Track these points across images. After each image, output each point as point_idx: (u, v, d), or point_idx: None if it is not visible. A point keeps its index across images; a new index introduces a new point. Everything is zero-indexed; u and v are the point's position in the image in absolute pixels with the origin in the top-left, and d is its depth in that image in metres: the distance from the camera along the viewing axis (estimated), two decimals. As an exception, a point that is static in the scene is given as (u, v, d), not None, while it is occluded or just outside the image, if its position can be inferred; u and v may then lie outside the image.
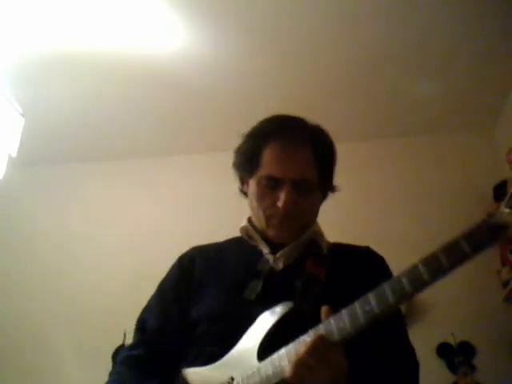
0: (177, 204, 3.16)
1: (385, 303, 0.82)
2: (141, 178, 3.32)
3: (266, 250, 1.16)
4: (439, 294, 2.71)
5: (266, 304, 1.02)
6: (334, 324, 0.87)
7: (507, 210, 0.70)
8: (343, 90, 2.87)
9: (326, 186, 1.21)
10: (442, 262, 0.76)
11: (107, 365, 2.70)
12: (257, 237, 1.19)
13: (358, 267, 1.04)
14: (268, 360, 0.93)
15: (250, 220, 1.22)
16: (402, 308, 2.65)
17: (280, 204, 1.09)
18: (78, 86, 2.76)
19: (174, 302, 1.17)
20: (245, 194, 1.22)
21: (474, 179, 2.97)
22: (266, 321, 0.99)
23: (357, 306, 0.85)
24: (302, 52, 2.61)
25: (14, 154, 2.30)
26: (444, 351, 2.60)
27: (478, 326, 2.62)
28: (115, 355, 2.74)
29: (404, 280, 0.82)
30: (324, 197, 1.24)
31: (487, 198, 2.86)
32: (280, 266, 1.13)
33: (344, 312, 0.87)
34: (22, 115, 2.31)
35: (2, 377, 2.76)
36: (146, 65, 2.61)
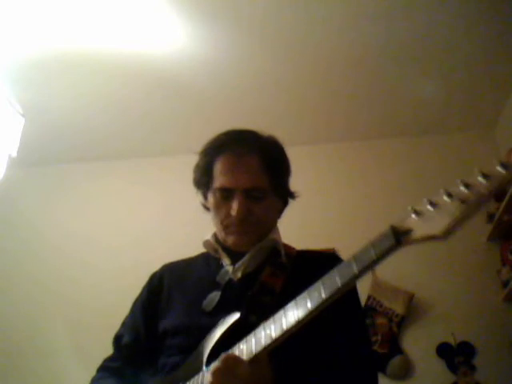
0: (178, 204, 3.15)
1: (288, 324, 0.86)
2: (141, 178, 3.32)
3: (227, 261, 1.19)
4: (439, 294, 2.72)
5: (223, 315, 1.05)
6: (253, 338, 0.91)
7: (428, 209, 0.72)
8: (344, 90, 2.87)
9: (280, 192, 1.24)
10: (353, 269, 0.79)
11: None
12: (219, 249, 1.22)
13: (319, 274, 1.04)
14: (204, 371, 0.98)
15: (215, 234, 1.26)
16: (402, 308, 2.68)
17: (233, 213, 1.14)
18: (78, 86, 2.76)
19: (142, 320, 1.25)
20: (208, 209, 1.27)
21: (474, 179, 2.97)
22: (216, 331, 1.03)
23: (273, 319, 0.90)
24: (303, 52, 2.61)
25: (14, 154, 2.30)
26: (444, 351, 2.61)
27: (478, 325, 2.63)
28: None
29: (315, 297, 0.84)
30: (284, 203, 1.28)
31: (487, 197, 2.86)
32: (238, 275, 1.16)
33: (261, 326, 0.91)
34: (22, 115, 2.30)
35: (2, 380, 2.75)
36: (145, 65, 2.61)
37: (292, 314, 0.86)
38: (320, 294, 0.82)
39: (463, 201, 0.69)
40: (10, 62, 2.52)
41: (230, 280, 1.16)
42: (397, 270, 2.75)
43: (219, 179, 1.19)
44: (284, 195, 1.27)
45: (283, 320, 0.87)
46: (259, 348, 0.89)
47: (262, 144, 1.23)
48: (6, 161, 2.29)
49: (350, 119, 3.11)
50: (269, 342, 0.88)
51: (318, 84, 2.83)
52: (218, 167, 1.20)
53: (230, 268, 1.17)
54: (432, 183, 2.98)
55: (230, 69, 2.69)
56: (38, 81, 2.69)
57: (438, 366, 2.59)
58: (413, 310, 2.72)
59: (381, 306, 2.73)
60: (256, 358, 0.90)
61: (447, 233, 0.70)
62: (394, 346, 2.64)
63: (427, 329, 2.68)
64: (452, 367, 2.58)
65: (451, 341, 2.61)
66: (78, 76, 2.68)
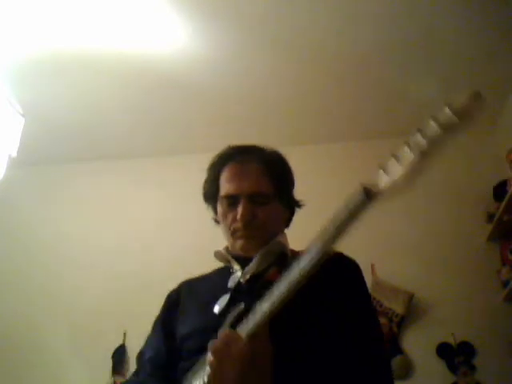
0: (177, 204, 3.16)
1: (278, 293, 0.90)
2: (142, 178, 3.32)
3: (237, 267, 1.24)
4: (439, 294, 2.72)
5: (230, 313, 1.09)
6: (250, 318, 0.95)
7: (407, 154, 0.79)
8: (344, 90, 2.87)
9: (285, 199, 1.29)
10: (330, 230, 0.87)
11: (107, 365, 2.71)
12: (229, 257, 1.27)
13: (325, 273, 1.00)
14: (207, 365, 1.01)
15: (227, 247, 1.31)
16: (402, 308, 2.68)
17: (238, 217, 1.20)
18: (78, 86, 2.76)
19: (163, 336, 1.28)
20: (217, 222, 1.32)
21: (474, 179, 2.97)
22: (223, 327, 1.06)
23: (265, 296, 0.94)
24: (303, 52, 2.61)
25: (14, 154, 2.30)
26: (444, 351, 2.60)
27: (478, 325, 2.62)
28: (115, 355, 2.74)
29: (301, 262, 0.89)
30: (291, 213, 1.33)
31: (487, 197, 2.86)
32: (246, 277, 1.20)
33: (257, 305, 0.95)
34: (22, 115, 2.30)
35: (1, 380, 2.75)
36: (146, 65, 2.61)
37: (282, 285, 0.90)
38: (305, 261, 0.88)
39: (420, 148, 0.76)
40: (10, 61, 2.52)
41: (239, 283, 1.19)
42: (397, 270, 2.76)
43: (225, 187, 1.25)
44: (289, 203, 1.31)
45: (275, 292, 0.91)
46: (254, 322, 0.93)
47: (265, 154, 1.30)
48: (5, 161, 2.29)
49: (351, 119, 3.11)
50: (263, 314, 0.91)
51: (319, 83, 2.83)
52: (224, 177, 1.27)
53: (239, 273, 1.22)
54: (432, 183, 2.99)
55: (231, 68, 2.70)
56: (38, 81, 2.69)
57: (438, 366, 2.59)
58: (413, 310, 2.72)
59: (381, 305, 2.73)
60: (254, 333, 0.93)
61: (406, 179, 0.77)
62: (394, 346, 2.64)
63: (427, 329, 2.68)
64: (452, 367, 2.57)
65: (451, 341, 2.61)
66: (78, 76, 2.68)
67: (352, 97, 2.94)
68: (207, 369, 0.96)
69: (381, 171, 0.81)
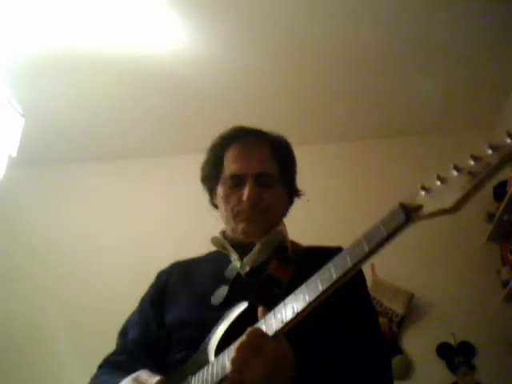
0: (177, 204, 3.16)
1: (314, 293, 0.84)
2: (141, 178, 3.32)
3: (234, 256, 1.19)
4: (439, 294, 2.72)
5: (230, 308, 1.06)
6: (273, 317, 0.90)
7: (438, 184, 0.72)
8: (344, 90, 2.87)
9: (288, 184, 1.26)
10: (364, 248, 0.78)
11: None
12: (226, 244, 1.23)
13: None
14: (217, 358, 0.97)
15: (223, 232, 1.27)
16: (402, 308, 2.68)
17: (244, 198, 1.16)
18: (78, 85, 2.76)
19: (152, 315, 1.23)
20: (215, 206, 1.28)
21: (474, 179, 2.97)
22: (223, 323, 1.04)
23: (290, 297, 0.89)
24: (303, 52, 2.61)
25: (14, 154, 2.30)
26: (444, 351, 2.60)
27: (478, 325, 2.62)
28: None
29: (333, 269, 0.83)
30: (290, 201, 1.30)
31: (487, 197, 2.86)
32: (246, 269, 1.16)
33: (280, 304, 0.90)
34: (22, 115, 2.30)
35: (2, 380, 2.75)
36: (146, 65, 2.61)
37: (303, 296, 0.86)
38: (331, 275, 0.82)
39: (473, 173, 0.68)
40: (10, 61, 2.52)
41: (238, 274, 1.16)
42: (397, 270, 2.76)
43: (230, 168, 1.21)
44: (291, 189, 1.28)
45: (306, 295, 0.86)
46: (280, 324, 0.88)
47: (271, 136, 1.28)
48: (6, 161, 2.29)
49: (350, 119, 3.11)
50: (290, 317, 0.87)
51: (318, 83, 2.83)
52: (229, 157, 1.23)
53: (238, 263, 1.18)
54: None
55: (231, 68, 2.70)
56: (38, 81, 2.69)
57: (438, 366, 2.59)
58: (413, 310, 2.72)
59: (381, 305, 2.73)
60: (278, 334, 0.89)
61: (459, 206, 0.69)
62: (394, 346, 2.64)
63: (427, 329, 2.68)
64: (452, 367, 2.57)
65: (451, 341, 2.61)
66: (77, 76, 2.68)
67: (351, 97, 2.94)
68: (227, 365, 0.91)
69: (422, 192, 0.75)
